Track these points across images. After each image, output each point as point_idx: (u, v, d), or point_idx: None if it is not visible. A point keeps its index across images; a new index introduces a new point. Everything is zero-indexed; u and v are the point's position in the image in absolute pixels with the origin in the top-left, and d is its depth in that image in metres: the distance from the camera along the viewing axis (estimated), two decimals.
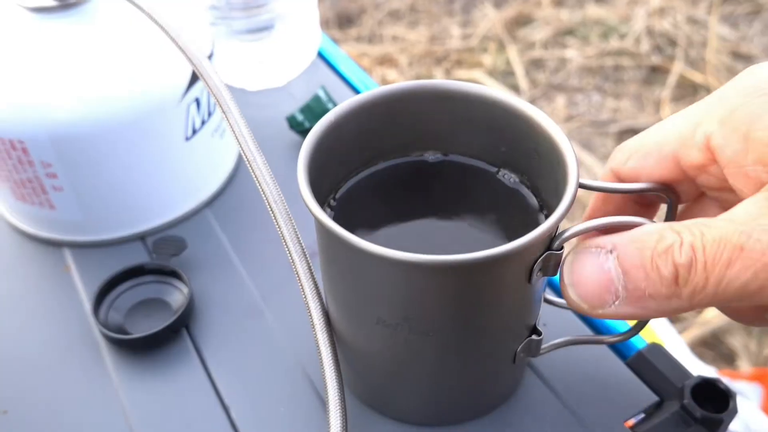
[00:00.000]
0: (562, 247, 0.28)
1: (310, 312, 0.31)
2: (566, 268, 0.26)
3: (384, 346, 0.31)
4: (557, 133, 0.30)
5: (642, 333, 0.33)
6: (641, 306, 0.24)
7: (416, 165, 0.35)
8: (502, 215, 0.33)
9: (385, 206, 0.34)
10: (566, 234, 0.27)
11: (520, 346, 0.32)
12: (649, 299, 0.24)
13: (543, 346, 0.33)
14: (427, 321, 0.29)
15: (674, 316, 0.28)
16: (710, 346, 1.03)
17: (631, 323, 0.32)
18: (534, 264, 0.28)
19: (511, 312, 0.30)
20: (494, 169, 0.34)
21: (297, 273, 0.31)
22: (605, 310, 0.25)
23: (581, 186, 0.28)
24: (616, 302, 0.24)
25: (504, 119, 0.32)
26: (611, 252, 0.25)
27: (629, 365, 0.37)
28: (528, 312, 0.31)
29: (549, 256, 0.28)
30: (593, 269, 0.25)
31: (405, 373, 0.32)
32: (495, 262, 0.26)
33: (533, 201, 0.32)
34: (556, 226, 0.27)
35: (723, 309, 0.30)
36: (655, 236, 0.24)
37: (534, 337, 0.32)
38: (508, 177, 0.33)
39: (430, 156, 0.35)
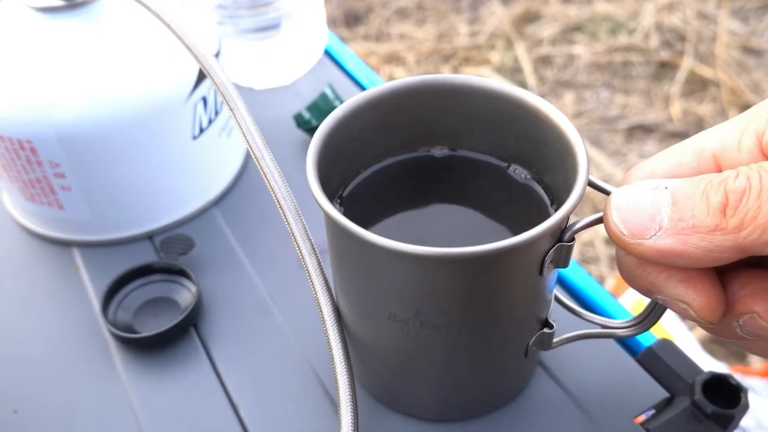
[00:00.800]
0: (573, 239, 0.27)
1: (320, 308, 0.31)
2: (618, 190, 0.26)
3: (395, 341, 0.31)
4: (565, 123, 0.29)
5: (652, 329, 0.33)
6: (682, 239, 0.23)
7: (424, 160, 0.34)
8: (513, 209, 0.33)
9: (395, 201, 0.34)
10: (577, 226, 0.27)
11: (532, 340, 0.32)
12: (691, 231, 0.23)
13: (554, 340, 0.33)
14: (439, 315, 0.29)
15: (717, 262, 0.26)
16: (721, 343, 1.02)
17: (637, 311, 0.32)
18: (545, 256, 0.27)
19: (523, 304, 0.30)
20: (504, 164, 0.34)
21: (307, 270, 0.31)
22: (644, 241, 0.24)
23: (590, 184, 0.28)
24: (658, 233, 0.24)
25: (511, 112, 0.32)
26: (667, 188, 0.24)
27: (639, 361, 0.36)
28: (540, 304, 0.31)
29: (560, 247, 0.27)
30: (644, 197, 0.24)
31: (416, 368, 0.32)
32: (506, 254, 0.26)
33: (544, 196, 0.32)
34: (567, 216, 0.26)
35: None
36: (714, 174, 0.24)
37: (546, 330, 0.32)
38: (519, 173, 0.33)
39: (437, 151, 0.34)
